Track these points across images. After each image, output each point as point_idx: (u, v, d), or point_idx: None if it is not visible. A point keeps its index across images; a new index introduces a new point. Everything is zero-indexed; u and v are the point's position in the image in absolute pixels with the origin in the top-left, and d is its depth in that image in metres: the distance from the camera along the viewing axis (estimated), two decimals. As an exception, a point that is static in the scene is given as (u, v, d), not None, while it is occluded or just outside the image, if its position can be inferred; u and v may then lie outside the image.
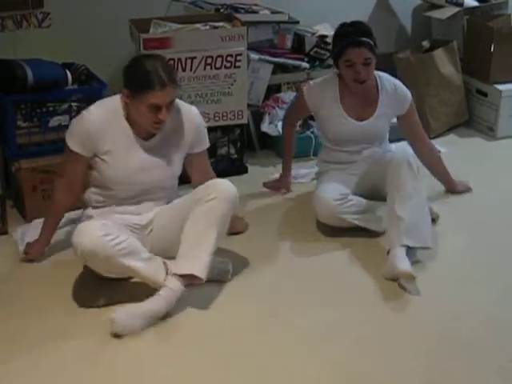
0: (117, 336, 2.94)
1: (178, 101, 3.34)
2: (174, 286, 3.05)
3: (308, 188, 4.19)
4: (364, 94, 3.76)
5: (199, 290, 3.17)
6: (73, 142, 3.25)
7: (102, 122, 3.23)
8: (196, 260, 3.09)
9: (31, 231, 3.68)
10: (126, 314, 2.98)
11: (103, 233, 2.98)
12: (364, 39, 3.59)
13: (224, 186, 3.24)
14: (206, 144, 3.51)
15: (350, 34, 3.63)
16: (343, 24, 3.74)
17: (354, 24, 3.69)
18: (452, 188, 4.14)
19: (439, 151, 4.30)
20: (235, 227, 3.63)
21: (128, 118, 3.25)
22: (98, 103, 3.33)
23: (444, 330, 3.02)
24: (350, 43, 3.59)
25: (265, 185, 4.20)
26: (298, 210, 4.02)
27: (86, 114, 3.25)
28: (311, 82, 3.92)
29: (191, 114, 3.41)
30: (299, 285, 3.36)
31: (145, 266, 3.07)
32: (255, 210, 4.05)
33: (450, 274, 3.43)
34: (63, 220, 3.65)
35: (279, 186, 4.18)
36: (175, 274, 3.07)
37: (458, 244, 3.69)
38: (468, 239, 3.73)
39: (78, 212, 3.65)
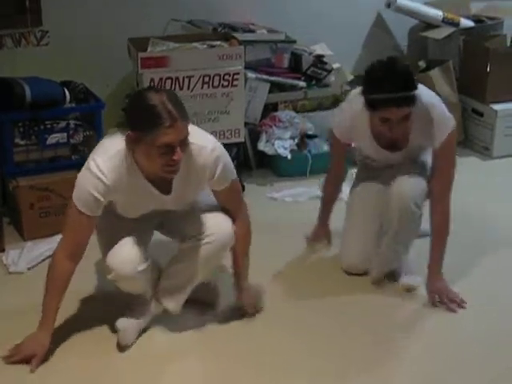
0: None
1: (192, 143, 2.89)
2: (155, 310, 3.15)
3: (305, 207, 4.20)
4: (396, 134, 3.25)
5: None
6: (79, 200, 2.85)
7: (114, 180, 2.82)
8: (174, 298, 3.13)
9: (24, 256, 3.65)
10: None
11: (138, 264, 2.94)
12: (407, 94, 3.03)
13: (224, 233, 3.05)
14: (230, 179, 3.05)
15: (391, 87, 3.01)
16: (381, 64, 3.11)
17: (395, 69, 3.07)
18: (431, 283, 3.40)
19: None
20: (243, 300, 3.24)
21: (143, 173, 2.87)
22: (103, 153, 2.85)
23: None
24: (391, 101, 3.02)
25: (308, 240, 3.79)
26: (294, 231, 3.95)
27: (95, 168, 2.81)
28: (336, 120, 3.47)
29: (206, 153, 2.92)
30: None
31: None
32: (253, 226, 3.99)
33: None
34: (53, 245, 3.49)
35: (319, 234, 3.77)
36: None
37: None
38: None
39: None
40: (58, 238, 3.62)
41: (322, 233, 3.73)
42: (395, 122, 3.09)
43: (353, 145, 3.58)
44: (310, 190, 4.37)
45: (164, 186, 2.92)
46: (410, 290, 3.45)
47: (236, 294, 3.22)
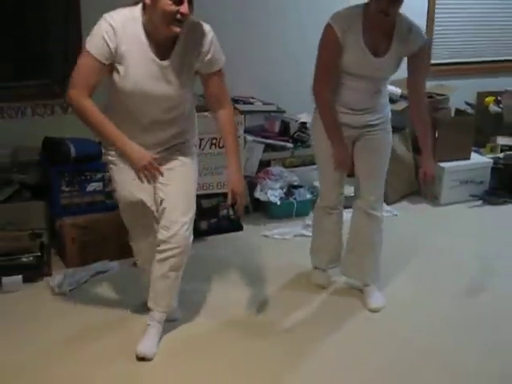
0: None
1: (195, 21, 2.74)
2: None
3: (291, 243, 4.22)
4: (383, 29, 3.11)
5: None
6: (91, 44, 2.63)
7: (123, 26, 2.63)
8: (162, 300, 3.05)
9: (67, 280, 3.63)
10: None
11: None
12: None
13: (182, 242, 2.92)
14: (221, 63, 2.85)
15: None
16: None
17: None
18: (424, 163, 3.41)
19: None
20: (231, 184, 2.97)
21: (147, 32, 2.66)
22: (118, 10, 2.68)
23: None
24: None
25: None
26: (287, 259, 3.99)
27: (107, 16, 2.64)
28: (335, 13, 3.15)
29: (207, 36, 2.76)
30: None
31: None
32: (250, 259, 4.02)
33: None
34: (91, 271, 3.66)
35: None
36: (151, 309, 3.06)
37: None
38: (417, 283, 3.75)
39: (104, 263, 3.70)
40: (96, 265, 3.73)
41: (344, 155, 3.30)
42: (391, 3, 2.98)
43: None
44: (295, 229, 4.38)
45: (162, 51, 2.70)
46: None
47: (227, 179, 2.98)
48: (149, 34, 2.67)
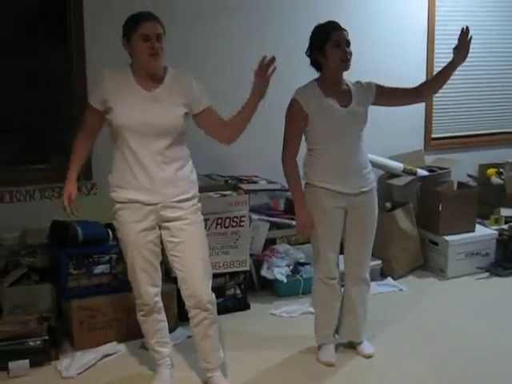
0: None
1: (178, 71, 3.22)
2: None
3: (297, 321, 4.22)
4: (340, 87, 3.48)
5: None
6: (90, 97, 3.24)
7: (115, 77, 3.15)
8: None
9: (74, 363, 3.64)
10: None
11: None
12: (341, 26, 3.43)
13: (208, 305, 3.27)
14: (207, 102, 3.22)
15: (331, 23, 3.43)
16: (320, 23, 3.47)
17: (330, 20, 3.46)
18: (452, 62, 3.48)
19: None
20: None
21: (135, 76, 3.13)
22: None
23: None
24: (334, 28, 3.39)
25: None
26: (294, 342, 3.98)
27: (104, 70, 3.18)
28: (296, 90, 3.49)
29: (189, 80, 3.19)
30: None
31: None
32: (257, 339, 4.03)
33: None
34: (99, 354, 3.69)
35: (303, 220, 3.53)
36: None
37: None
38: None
39: (112, 346, 3.72)
40: (104, 348, 3.75)
41: (306, 219, 3.51)
42: (343, 44, 3.36)
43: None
44: (302, 307, 4.39)
45: (148, 85, 3.12)
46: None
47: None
48: (137, 75, 3.13)
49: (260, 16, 4.99)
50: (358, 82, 3.54)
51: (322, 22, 3.47)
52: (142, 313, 3.38)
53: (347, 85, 3.51)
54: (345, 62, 3.37)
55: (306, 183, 3.55)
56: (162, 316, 3.44)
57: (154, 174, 3.12)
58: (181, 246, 3.21)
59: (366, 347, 3.81)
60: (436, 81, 3.60)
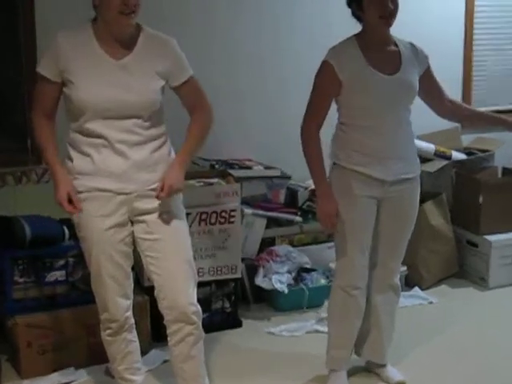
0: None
1: (149, 28, 3.22)
2: None
3: (302, 342, 4.22)
4: (385, 47, 3.46)
5: None
6: (42, 65, 3.15)
7: (72, 41, 3.10)
8: None
9: None
10: None
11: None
12: None
13: (194, 317, 3.27)
14: (189, 71, 3.26)
15: None
16: None
17: None
18: (505, 123, 3.72)
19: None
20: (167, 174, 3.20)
21: (98, 39, 3.11)
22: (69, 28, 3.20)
23: None
24: None
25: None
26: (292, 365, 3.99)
27: (58, 33, 3.13)
28: (329, 49, 3.46)
29: (169, 43, 3.22)
30: None
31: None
32: (251, 365, 4.02)
33: None
34: (52, 382, 3.72)
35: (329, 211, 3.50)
36: None
37: None
38: None
39: (69, 373, 3.78)
40: (57, 375, 3.76)
41: (329, 208, 3.47)
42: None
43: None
44: (306, 324, 4.40)
45: (117, 54, 3.11)
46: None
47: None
48: (101, 37, 3.12)
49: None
50: (412, 45, 3.53)
51: None
52: (108, 331, 3.36)
53: (396, 45, 3.49)
54: (384, 18, 3.33)
55: (334, 163, 3.54)
56: (133, 335, 3.43)
57: (125, 157, 3.13)
58: (159, 244, 3.21)
59: (393, 373, 3.80)
60: (473, 117, 3.85)
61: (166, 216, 3.22)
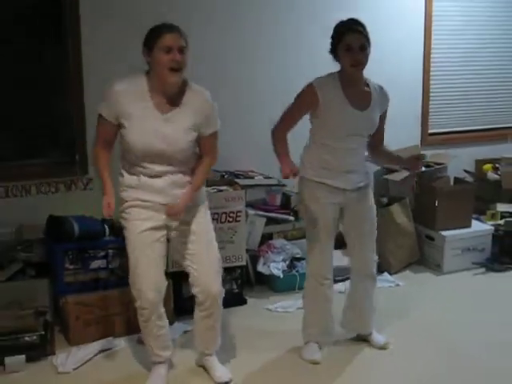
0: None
1: (193, 84, 3.17)
2: None
3: (293, 316, 4.19)
4: (359, 87, 3.42)
5: None
6: (102, 108, 3.13)
7: (127, 89, 3.07)
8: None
9: (71, 358, 3.65)
10: None
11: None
12: (360, 28, 3.31)
13: (219, 300, 3.37)
14: (216, 126, 3.24)
15: (348, 24, 3.33)
16: (342, 20, 3.39)
17: (352, 19, 3.36)
18: (406, 163, 3.77)
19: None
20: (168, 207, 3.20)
21: (150, 90, 3.08)
22: (126, 78, 3.13)
23: None
24: (348, 29, 3.29)
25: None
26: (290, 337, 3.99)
27: (115, 83, 3.09)
28: (315, 78, 3.41)
29: (205, 95, 3.17)
30: None
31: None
32: (253, 333, 4.04)
33: None
34: (95, 349, 3.68)
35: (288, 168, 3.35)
36: None
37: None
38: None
39: (108, 341, 3.75)
40: (99, 343, 3.76)
41: (289, 165, 3.32)
42: (356, 49, 3.27)
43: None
44: (297, 302, 4.33)
45: (163, 106, 3.08)
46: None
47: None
48: (152, 89, 3.08)
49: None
50: (381, 88, 3.50)
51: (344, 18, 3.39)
52: (141, 318, 3.31)
53: (368, 86, 3.46)
54: (354, 66, 3.31)
55: (302, 177, 3.52)
56: (163, 322, 3.36)
57: (163, 190, 3.19)
58: (194, 244, 3.28)
59: (379, 338, 3.84)
60: (385, 160, 4.06)
61: (199, 221, 3.30)
